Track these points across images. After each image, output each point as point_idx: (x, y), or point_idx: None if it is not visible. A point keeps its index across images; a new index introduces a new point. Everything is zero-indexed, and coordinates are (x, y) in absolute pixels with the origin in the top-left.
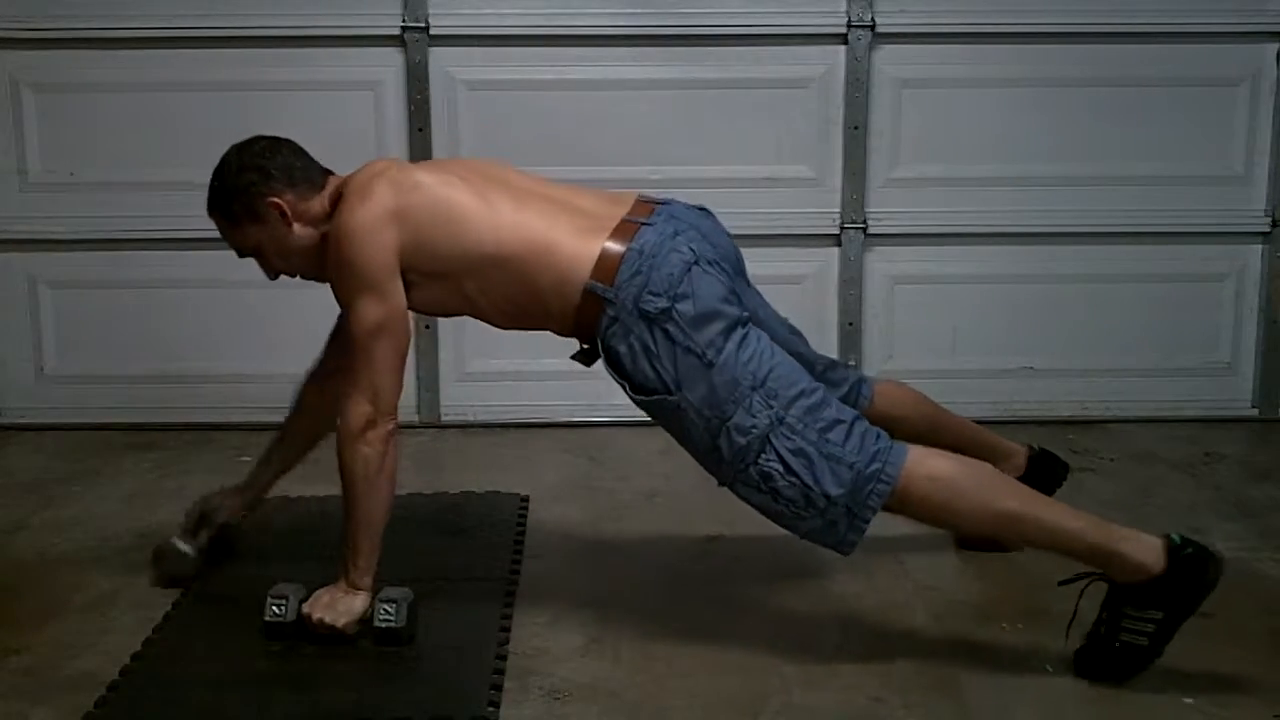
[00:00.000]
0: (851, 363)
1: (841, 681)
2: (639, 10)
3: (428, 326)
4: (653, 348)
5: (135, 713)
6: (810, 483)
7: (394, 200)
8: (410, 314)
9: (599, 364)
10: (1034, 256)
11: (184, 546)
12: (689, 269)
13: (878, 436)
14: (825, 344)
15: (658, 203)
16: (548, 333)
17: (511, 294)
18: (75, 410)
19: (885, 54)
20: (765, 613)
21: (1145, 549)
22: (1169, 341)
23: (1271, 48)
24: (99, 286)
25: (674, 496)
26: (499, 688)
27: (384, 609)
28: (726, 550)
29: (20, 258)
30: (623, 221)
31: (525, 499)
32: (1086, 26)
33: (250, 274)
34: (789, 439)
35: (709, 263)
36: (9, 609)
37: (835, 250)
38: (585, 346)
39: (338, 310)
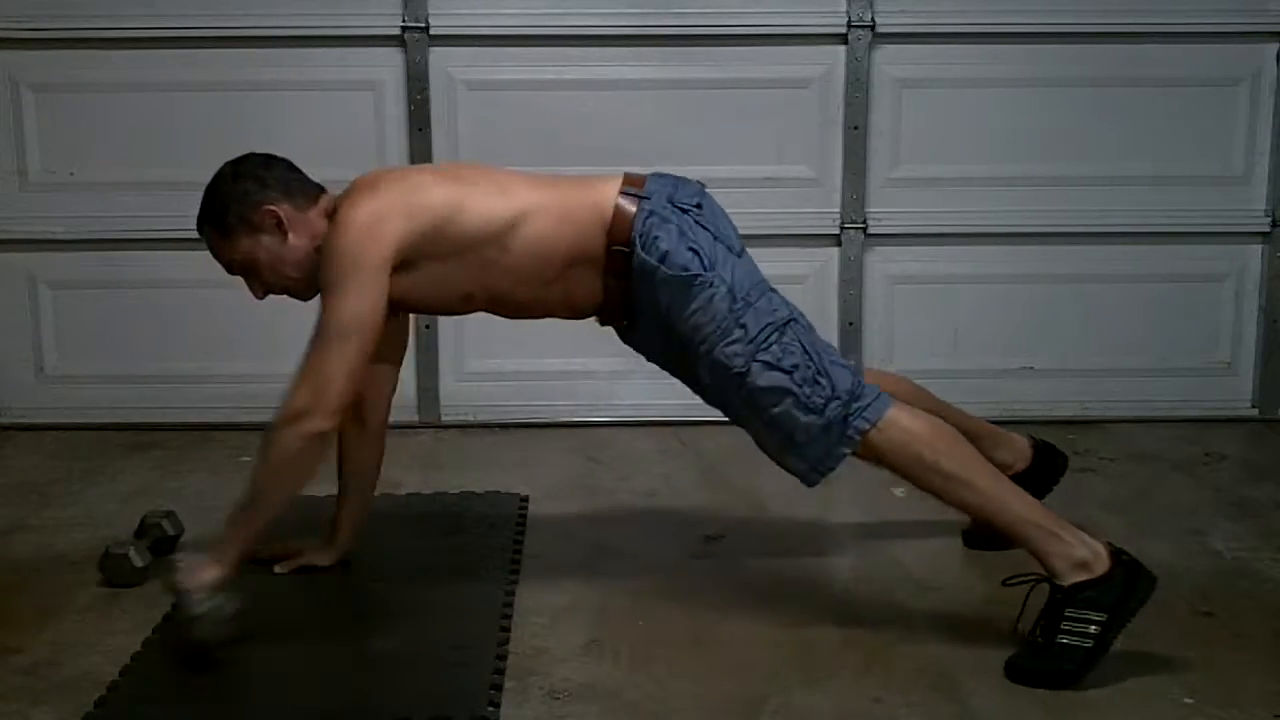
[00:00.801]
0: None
1: (841, 682)
2: (639, 10)
3: (428, 326)
4: (689, 233)
5: (135, 713)
6: (821, 370)
7: (403, 194)
8: (410, 316)
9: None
10: (1034, 256)
11: (135, 558)
12: (703, 194)
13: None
14: None
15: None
16: (548, 333)
17: (535, 250)
18: (75, 410)
19: (885, 54)
20: (765, 613)
21: (1089, 546)
22: (1169, 341)
23: (1271, 48)
24: (99, 286)
25: (674, 496)
26: (499, 688)
27: (198, 597)
28: (726, 550)
29: (20, 258)
30: (624, 177)
31: (525, 499)
32: (1086, 26)
33: None
34: (806, 333)
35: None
36: (9, 609)
37: (835, 250)
38: (603, 311)
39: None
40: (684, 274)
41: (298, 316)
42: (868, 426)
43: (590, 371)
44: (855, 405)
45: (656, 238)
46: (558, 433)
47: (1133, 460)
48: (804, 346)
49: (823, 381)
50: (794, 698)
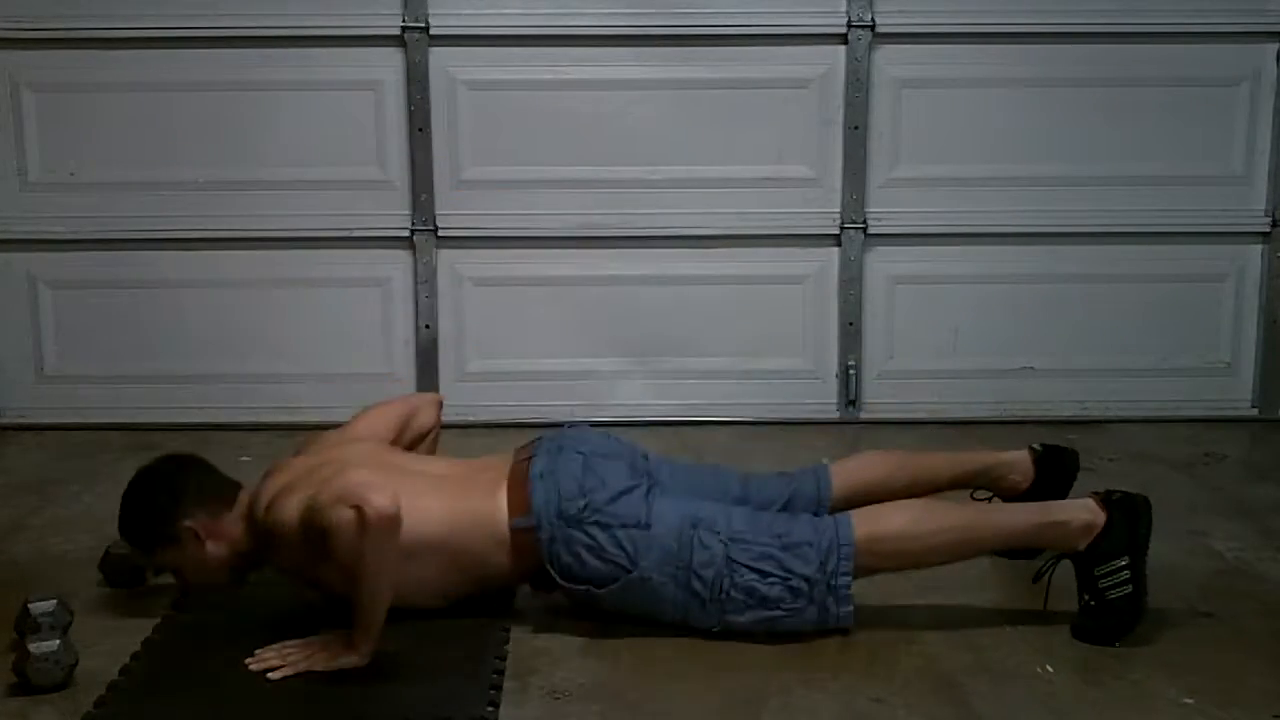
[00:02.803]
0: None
1: (842, 682)
2: (639, 10)
3: (428, 326)
4: (595, 544)
5: (135, 713)
6: (785, 574)
7: (316, 496)
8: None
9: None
10: (1034, 256)
11: (135, 558)
12: (586, 464)
13: (818, 518)
14: (825, 344)
15: (533, 441)
16: (548, 333)
17: (449, 570)
18: (75, 410)
19: (885, 54)
20: None
21: (1081, 509)
22: (1169, 341)
23: (1271, 48)
24: (99, 286)
25: None
26: (499, 688)
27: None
28: None
29: (20, 258)
30: (513, 466)
31: None
32: (1086, 26)
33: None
34: (746, 549)
35: (600, 456)
36: (9, 609)
37: (835, 250)
38: (532, 583)
39: (339, 309)
40: (614, 586)
41: (297, 317)
42: (849, 580)
43: (590, 371)
44: (829, 566)
45: (569, 564)
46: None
47: (1133, 460)
48: (757, 566)
49: (795, 582)
50: (794, 698)
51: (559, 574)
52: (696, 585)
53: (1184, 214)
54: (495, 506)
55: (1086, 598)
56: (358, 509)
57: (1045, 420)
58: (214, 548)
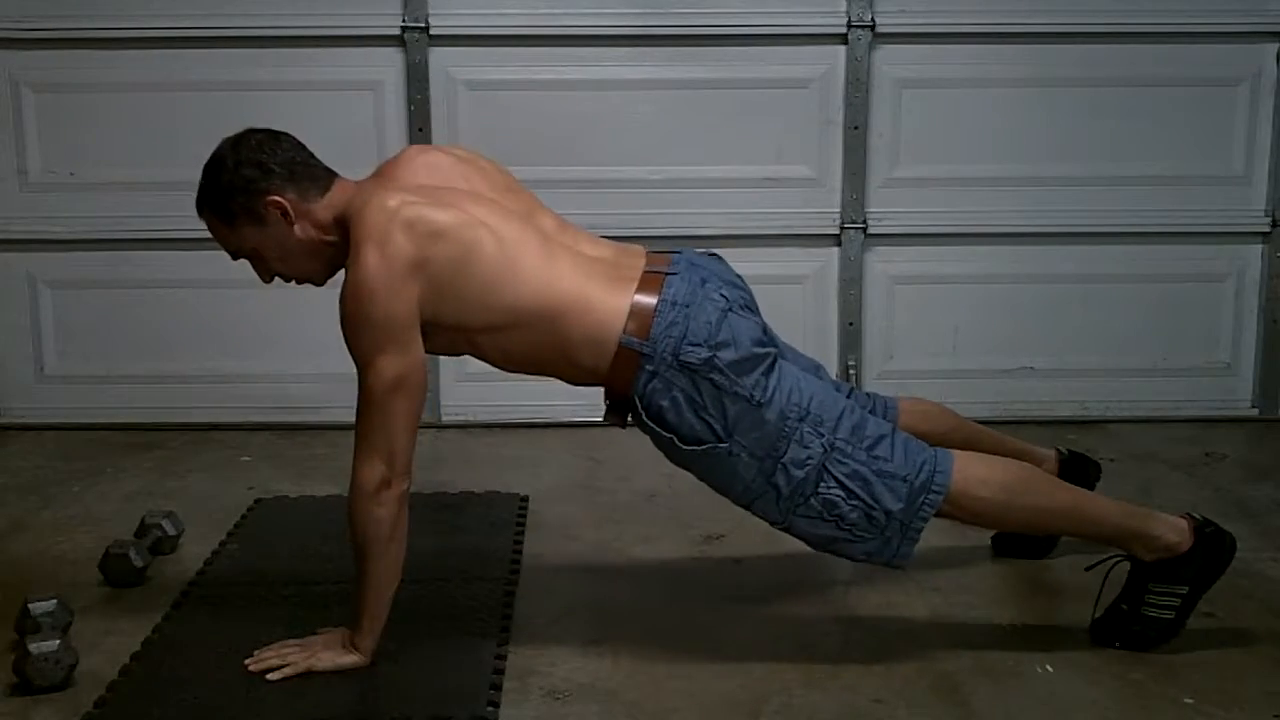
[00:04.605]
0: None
1: (842, 682)
2: (639, 10)
3: None
4: (698, 399)
5: (135, 713)
6: (871, 502)
7: (414, 250)
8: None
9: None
10: (1034, 256)
11: (135, 558)
12: (725, 315)
13: (921, 447)
14: (825, 344)
15: (671, 252)
16: None
17: (536, 350)
18: (75, 410)
19: (885, 54)
20: (765, 613)
21: (1173, 528)
22: (1169, 341)
23: (1271, 48)
24: (99, 286)
25: (674, 496)
26: (499, 688)
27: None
28: (726, 550)
29: (20, 258)
30: (646, 272)
31: (525, 499)
32: (1086, 26)
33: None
34: (843, 463)
35: (741, 307)
36: (9, 609)
37: (835, 250)
38: (611, 403)
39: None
40: (697, 448)
41: (298, 317)
42: (925, 524)
43: None
44: (915, 505)
45: (661, 407)
46: (558, 433)
47: (1133, 460)
48: (847, 485)
49: (876, 514)
50: (794, 698)
51: (646, 412)
52: (780, 479)
53: (1184, 214)
54: (615, 307)
55: (1123, 604)
56: (385, 474)
57: (1045, 420)
58: (302, 231)
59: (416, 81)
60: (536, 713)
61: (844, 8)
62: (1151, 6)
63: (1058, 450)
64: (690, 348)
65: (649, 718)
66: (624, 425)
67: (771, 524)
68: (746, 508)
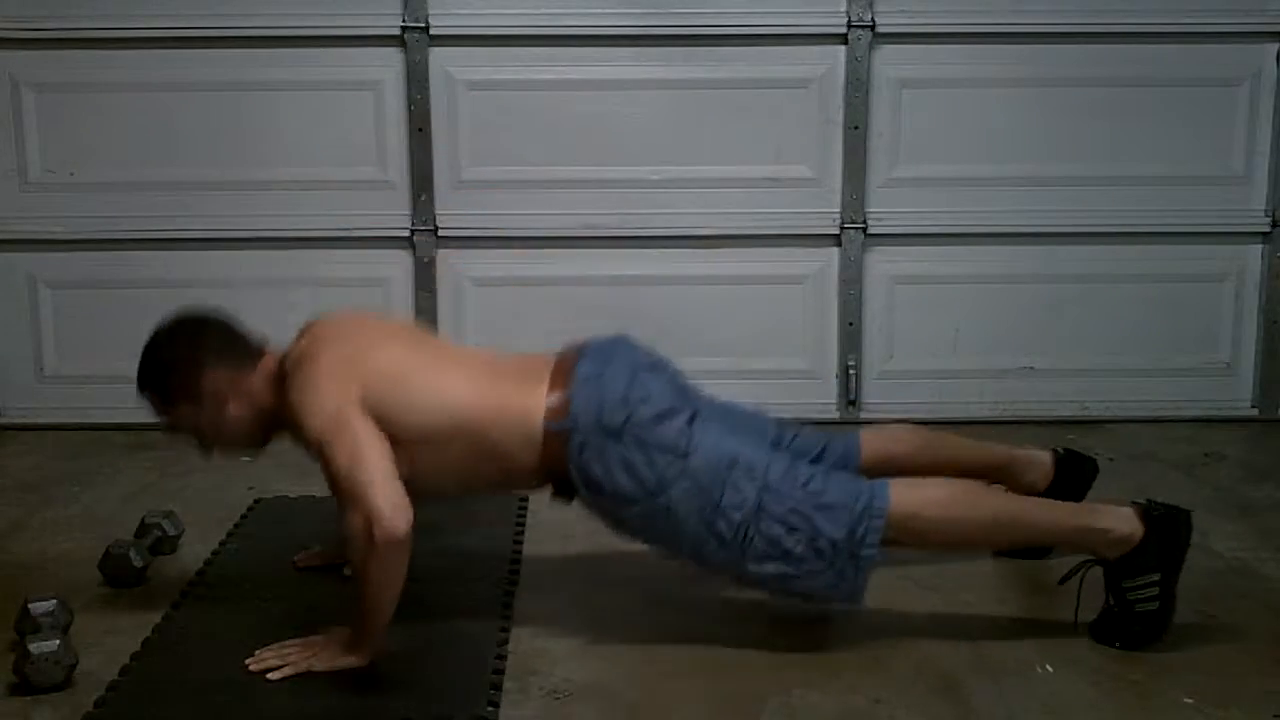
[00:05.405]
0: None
1: (842, 682)
2: (639, 10)
3: (428, 326)
4: (628, 457)
5: (135, 713)
6: (813, 533)
7: (351, 355)
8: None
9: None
10: (1034, 256)
11: (135, 558)
12: (634, 375)
13: (856, 479)
14: (825, 344)
15: (578, 345)
16: (548, 331)
17: (471, 458)
18: (75, 410)
19: (885, 54)
20: (765, 613)
21: (1122, 519)
22: (1169, 341)
23: (1271, 48)
24: (99, 286)
25: None
26: (499, 688)
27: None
28: None
29: (20, 258)
30: (556, 363)
31: (525, 499)
32: (1086, 26)
33: (251, 273)
34: (779, 502)
35: (647, 369)
36: (9, 609)
37: (835, 250)
38: (554, 486)
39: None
40: (634, 507)
41: (297, 317)
42: (874, 552)
43: None
44: (858, 532)
45: (596, 474)
46: None
47: (1133, 460)
48: (786, 520)
49: (820, 543)
50: (794, 698)
51: (583, 484)
52: (721, 525)
53: (1184, 214)
54: (533, 403)
55: (1111, 602)
56: (367, 524)
57: (1045, 420)
58: (236, 407)
59: (416, 81)
60: (536, 713)
61: (844, 8)
62: (1151, 6)
63: (1054, 450)
64: (609, 411)
65: (649, 718)
66: (569, 502)
67: (729, 577)
68: (700, 564)
